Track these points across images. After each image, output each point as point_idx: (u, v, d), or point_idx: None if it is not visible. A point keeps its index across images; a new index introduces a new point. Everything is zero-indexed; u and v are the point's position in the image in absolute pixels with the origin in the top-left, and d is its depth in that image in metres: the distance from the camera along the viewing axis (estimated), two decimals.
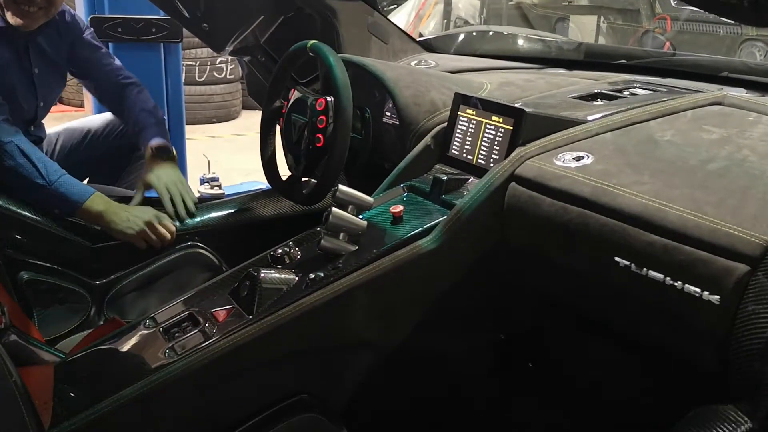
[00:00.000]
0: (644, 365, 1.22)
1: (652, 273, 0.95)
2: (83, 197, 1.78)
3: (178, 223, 1.89)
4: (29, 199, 1.79)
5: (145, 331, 1.31)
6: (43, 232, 1.81)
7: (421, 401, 1.41)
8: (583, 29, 5.10)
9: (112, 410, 1.12)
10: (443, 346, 1.38)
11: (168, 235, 1.82)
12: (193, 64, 6.03)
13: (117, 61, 2.19)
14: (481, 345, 1.45)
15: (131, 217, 1.80)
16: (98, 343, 1.32)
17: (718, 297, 0.87)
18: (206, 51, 5.89)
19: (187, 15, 2.05)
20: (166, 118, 2.64)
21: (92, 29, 2.18)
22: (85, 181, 2.31)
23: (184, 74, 5.25)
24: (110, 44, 2.87)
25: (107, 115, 2.31)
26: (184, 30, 2.83)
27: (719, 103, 1.36)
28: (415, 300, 1.28)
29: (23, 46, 1.94)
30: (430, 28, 5.34)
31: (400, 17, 5.14)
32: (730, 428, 0.83)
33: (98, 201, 1.79)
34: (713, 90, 1.47)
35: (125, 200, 1.90)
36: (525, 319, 1.42)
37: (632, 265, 0.97)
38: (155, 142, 1.99)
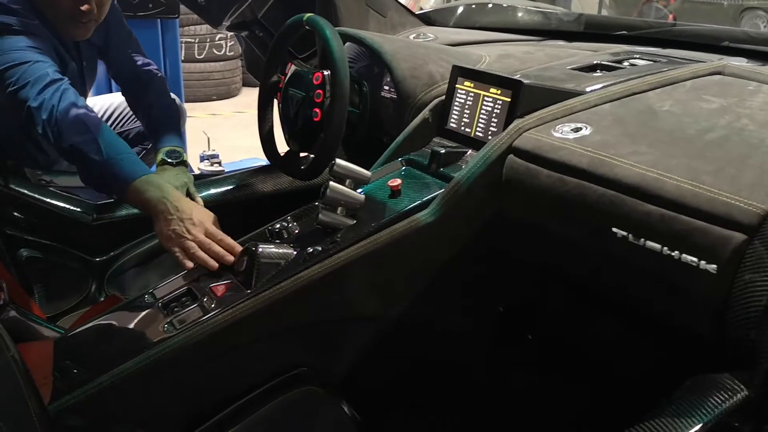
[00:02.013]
0: (643, 335, 1.23)
1: (650, 243, 0.94)
2: (132, 176, 1.50)
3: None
4: (85, 176, 1.64)
5: (144, 307, 1.31)
6: (42, 209, 1.81)
7: (421, 373, 1.41)
8: (585, 2, 5.05)
9: (111, 384, 1.12)
10: (442, 319, 1.38)
11: (214, 265, 1.35)
12: (193, 40, 5.99)
13: (139, 47, 2.12)
14: (480, 317, 1.45)
15: (180, 222, 1.42)
16: (98, 319, 1.32)
17: (715, 266, 0.87)
18: (205, 27, 5.86)
19: None
20: None
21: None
22: None
23: (183, 51, 5.23)
24: None
25: (110, 98, 2.29)
26: (183, 6, 2.81)
27: (719, 73, 1.34)
28: (414, 273, 1.29)
29: (75, 45, 1.91)
30: (431, 3, 5.29)
31: None
32: (727, 396, 0.83)
33: (150, 184, 1.49)
34: (714, 60, 1.46)
35: None
36: (524, 291, 1.43)
37: (630, 235, 0.97)
38: (166, 146, 1.89)
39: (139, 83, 2.07)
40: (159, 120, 2.00)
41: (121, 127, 2.30)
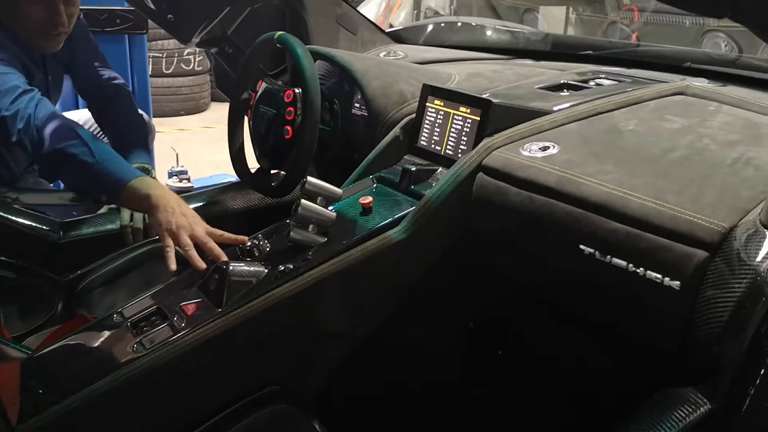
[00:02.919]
0: (610, 350, 1.25)
1: (616, 260, 0.97)
2: (127, 177, 1.51)
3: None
4: (75, 180, 1.65)
5: (113, 326, 1.29)
6: (7, 227, 1.78)
7: (393, 389, 1.42)
8: (551, 21, 5.13)
9: (80, 406, 1.11)
10: (414, 335, 1.39)
11: (202, 265, 1.34)
12: (160, 55, 5.95)
13: (105, 61, 2.11)
14: (451, 333, 1.46)
15: (182, 216, 1.42)
16: (65, 339, 1.30)
17: (678, 282, 0.89)
18: (173, 42, 5.82)
19: (151, 6, 2.02)
20: None
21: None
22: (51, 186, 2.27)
23: (150, 66, 5.18)
24: None
25: (76, 115, 2.26)
26: (150, 21, 2.80)
27: (682, 93, 1.38)
28: (385, 290, 1.29)
29: (41, 59, 1.90)
30: (400, 19, 5.33)
31: (370, 8, 5.11)
32: (690, 410, 0.85)
33: (148, 183, 1.50)
34: (676, 80, 1.50)
35: None
36: (494, 307, 1.44)
37: (596, 252, 0.99)
38: (135, 163, 1.85)
39: (105, 97, 2.05)
40: (126, 135, 1.98)
41: None
